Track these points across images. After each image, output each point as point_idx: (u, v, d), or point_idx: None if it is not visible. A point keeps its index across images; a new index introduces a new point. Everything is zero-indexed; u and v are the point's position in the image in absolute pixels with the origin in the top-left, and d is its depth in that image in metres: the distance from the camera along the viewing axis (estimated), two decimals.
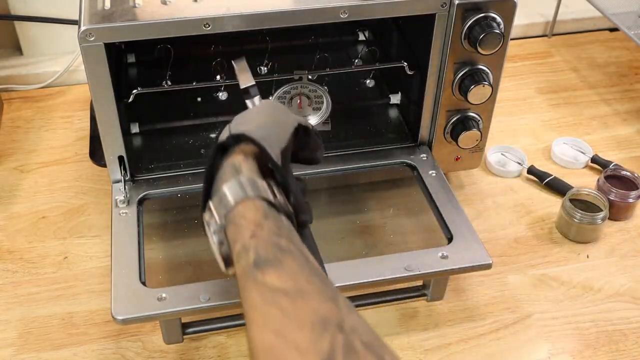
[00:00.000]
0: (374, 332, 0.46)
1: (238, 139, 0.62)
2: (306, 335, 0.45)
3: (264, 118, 0.66)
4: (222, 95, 0.96)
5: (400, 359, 0.45)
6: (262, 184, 0.59)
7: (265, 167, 0.62)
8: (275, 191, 0.59)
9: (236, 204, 0.56)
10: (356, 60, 1.06)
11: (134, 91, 0.88)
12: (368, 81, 1.06)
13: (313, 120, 0.96)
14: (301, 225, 0.62)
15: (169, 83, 0.93)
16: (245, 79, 0.76)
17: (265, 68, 1.00)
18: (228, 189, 0.58)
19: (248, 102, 0.75)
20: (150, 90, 0.90)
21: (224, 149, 0.62)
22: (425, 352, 0.83)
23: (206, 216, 0.59)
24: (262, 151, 0.61)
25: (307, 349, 0.44)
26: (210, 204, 0.59)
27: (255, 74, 0.87)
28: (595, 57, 1.38)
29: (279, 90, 0.92)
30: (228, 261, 0.58)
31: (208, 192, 0.61)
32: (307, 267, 0.52)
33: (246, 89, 0.75)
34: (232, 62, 0.78)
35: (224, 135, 0.64)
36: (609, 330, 0.86)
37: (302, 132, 0.68)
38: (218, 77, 0.96)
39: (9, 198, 1.03)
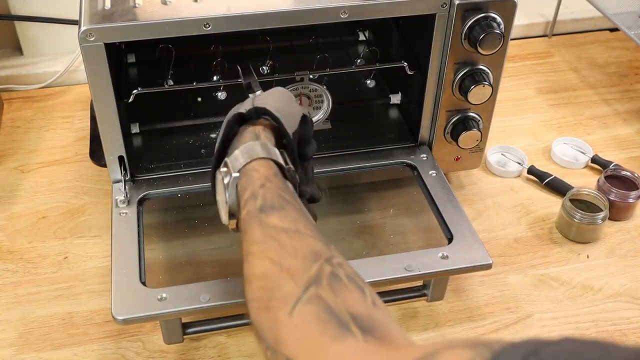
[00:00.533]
0: (358, 273, 0.52)
1: (259, 112, 0.68)
2: (298, 262, 0.52)
3: (280, 103, 0.71)
4: (221, 95, 0.96)
5: (379, 297, 0.50)
6: (276, 151, 0.65)
7: (279, 141, 0.68)
8: (287, 160, 0.66)
9: (252, 160, 0.63)
10: (358, 61, 1.05)
11: (134, 91, 0.88)
12: (369, 81, 1.06)
13: (314, 118, 0.96)
14: (302, 196, 0.68)
15: (170, 83, 0.93)
16: (249, 76, 0.82)
17: (266, 68, 1.00)
18: (247, 148, 0.64)
19: (251, 96, 0.77)
20: (150, 91, 0.90)
21: (243, 119, 0.69)
22: None
23: (221, 170, 0.64)
24: (279, 126, 0.67)
25: (297, 273, 0.51)
26: (227, 159, 0.64)
27: (256, 75, 0.87)
28: (595, 57, 1.38)
29: None
30: (232, 214, 0.64)
31: (223, 152, 0.67)
32: (306, 217, 0.58)
33: (249, 84, 0.81)
34: (238, 66, 0.81)
35: (246, 106, 0.69)
36: (609, 330, 0.86)
37: (304, 122, 0.73)
38: (217, 77, 0.96)
39: (9, 198, 1.03)
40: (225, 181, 0.63)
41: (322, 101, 0.93)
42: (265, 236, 0.55)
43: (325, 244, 0.55)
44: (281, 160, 0.64)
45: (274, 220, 0.56)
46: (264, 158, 0.63)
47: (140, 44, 1.06)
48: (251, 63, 0.93)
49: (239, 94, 0.87)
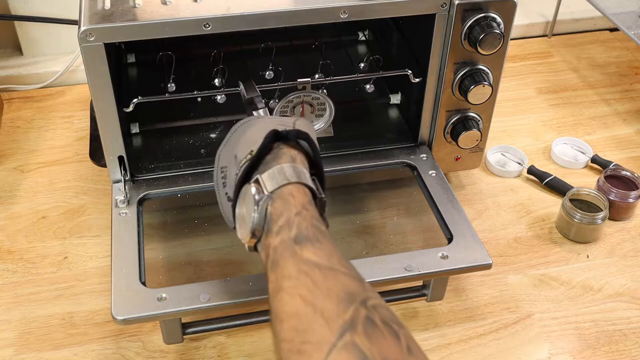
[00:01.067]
0: (394, 314, 0.51)
1: (299, 136, 0.66)
2: (332, 305, 0.50)
3: (310, 132, 0.69)
4: (221, 99, 0.96)
5: (413, 340, 0.49)
6: (309, 178, 0.63)
7: (310, 168, 0.67)
8: (320, 188, 0.65)
9: (288, 183, 0.61)
10: (361, 65, 1.04)
11: (134, 100, 0.87)
12: (368, 86, 1.04)
13: (316, 126, 0.95)
14: None
15: (171, 89, 0.92)
16: (251, 91, 0.80)
17: (269, 74, 0.99)
18: (283, 169, 0.62)
19: (254, 113, 0.75)
20: (150, 100, 0.89)
21: (279, 138, 0.66)
22: (426, 352, 0.82)
23: (251, 187, 0.61)
24: (315, 154, 0.66)
25: (332, 317, 0.49)
26: (261, 177, 0.62)
27: (258, 82, 0.86)
28: (595, 57, 1.38)
29: (282, 100, 0.90)
30: (255, 233, 0.60)
31: (254, 167, 0.64)
32: (339, 252, 0.56)
33: (251, 99, 0.78)
34: (239, 81, 0.80)
35: (284, 125, 0.67)
36: (609, 330, 0.86)
37: None
38: (219, 80, 0.95)
39: (9, 198, 1.03)
40: (256, 198, 0.60)
41: (325, 109, 0.92)
42: (298, 272, 0.53)
43: (360, 282, 0.53)
44: (315, 189, 0.63)
45: (308, 254, 0.54)
46: (299, 183, 0.61)
47: (140, 45, 1.06)
48: (251, 67, 0.92)
49: (238, 96, 0.87)
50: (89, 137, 1.06)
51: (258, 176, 0.62)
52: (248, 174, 0.64)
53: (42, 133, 1.16)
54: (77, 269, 0.92)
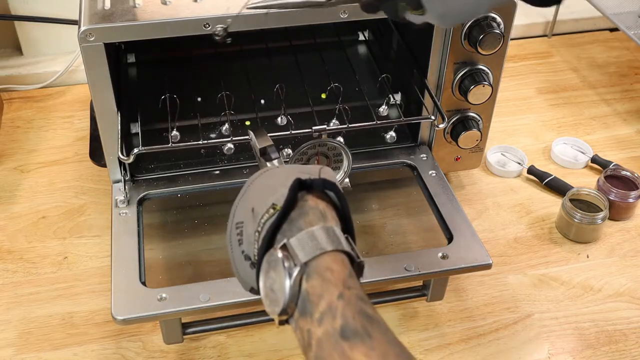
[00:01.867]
0: None
1: (326, 185, 0.58)
2: None
3: (337, 182, 0.61)
4: (225, 131, 0.95)
5: None
6: (344, 239, 0.55)
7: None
8: (356, 250, 0.56)
9: (323, 252, 0.53)
10: (381, 109, 1.01)
11: (135, 150, 0.84)
12: (388, 136, 0.99)
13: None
14: None
15: (176, 138, 0.92)
16: (263, 140, 0.74)
17: (282, 118, 0.98)
18: (315, 234, 0.53)
19: (268, 164, 0.72)
20: (152, 150, 0.87)
21: (303, 186, 0.58)
22: (425, 352, 0.83)
23: (279, 255, 0.53)
24: (344, 209, 0.58)
25: None
26: (289, 242, 0.53)
27: (270, 130, 0.81)
28: (595, 57, 1.38)
29: (295, 152, 0.84)
30: (286, 309, 0.52)
31: (280, 226, 0.55)
32: (394, 342, 0.49)
33: (264, 150, 0.73)
34: (249, 130, 0.75)
35: (309, 174, 0.60)
36: (609, 330, 0.86)
37: None
38: (224, 129, 0.95)
39: (9, 198, 1.03)
40: (286, 266, 0.52)
41: (341, 160, 0.85)
42: None
43: None
44: (351, 251, 0.54)
45: (360, 357, 0.47)
46: (335, 251, 0.53)
47: (140, 45, 1.06)
48: (259, 109, 0.89)
49: (238, 104, 0.86)
50: (89, 137, 1.06)
51: (286, 242, 0.53)
52: (272, 234, 0.56)
53: (42, 133, 1.16)
54: (77, 269, 0.92)
